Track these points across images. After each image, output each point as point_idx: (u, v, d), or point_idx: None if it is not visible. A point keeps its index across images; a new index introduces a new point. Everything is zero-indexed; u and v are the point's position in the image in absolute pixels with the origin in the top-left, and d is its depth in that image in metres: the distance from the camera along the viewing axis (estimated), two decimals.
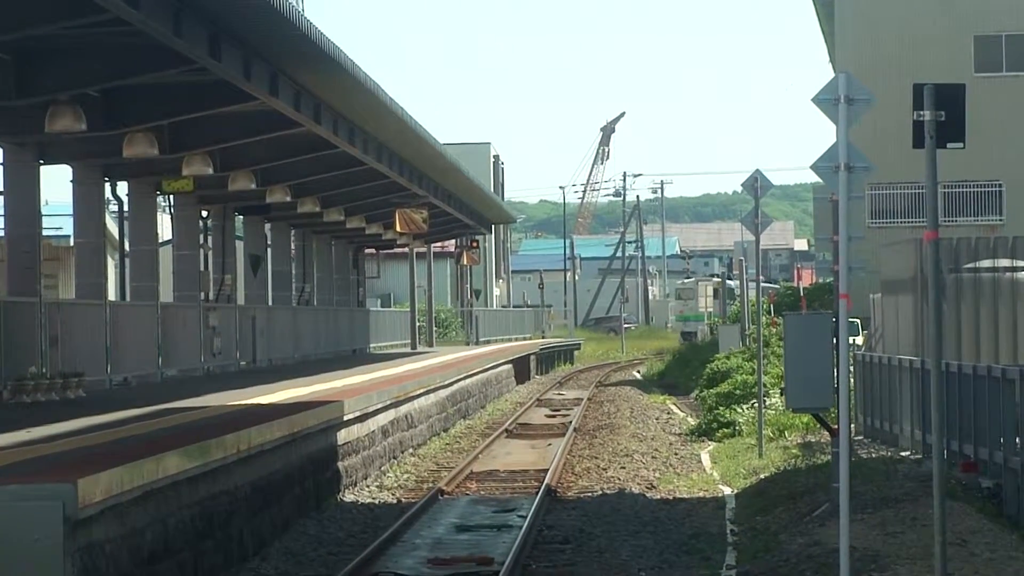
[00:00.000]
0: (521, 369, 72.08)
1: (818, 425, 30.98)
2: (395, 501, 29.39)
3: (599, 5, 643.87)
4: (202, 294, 45.42)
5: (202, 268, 46.34)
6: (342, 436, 30.20)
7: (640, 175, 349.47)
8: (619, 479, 32.40)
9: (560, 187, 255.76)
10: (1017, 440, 21.66)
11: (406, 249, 77.62)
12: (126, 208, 41.26)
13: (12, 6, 22.85)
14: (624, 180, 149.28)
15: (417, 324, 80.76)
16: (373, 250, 76.89)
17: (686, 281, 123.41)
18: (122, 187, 40.48)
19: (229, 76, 28.26)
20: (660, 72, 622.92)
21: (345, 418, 30.21)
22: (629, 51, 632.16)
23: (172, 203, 45.81)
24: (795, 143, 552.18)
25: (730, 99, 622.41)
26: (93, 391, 32.49)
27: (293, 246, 58.76)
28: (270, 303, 54.14)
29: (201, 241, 46.64)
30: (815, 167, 18.20)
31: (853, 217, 17.79)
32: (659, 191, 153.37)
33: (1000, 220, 56.07)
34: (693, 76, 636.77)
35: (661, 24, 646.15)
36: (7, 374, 30.52)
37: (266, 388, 34.74)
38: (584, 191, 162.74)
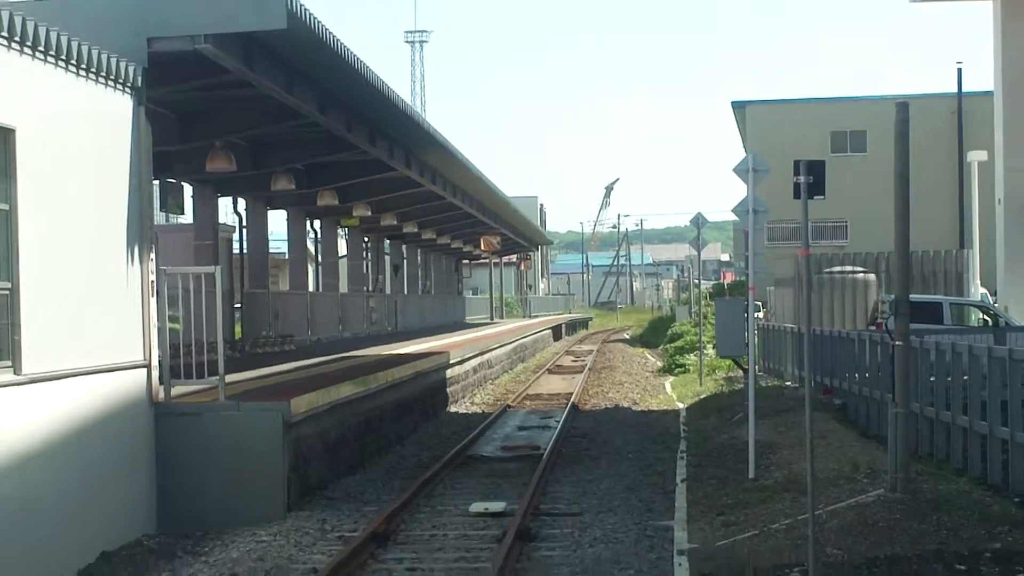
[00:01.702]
0: (556, 332, 72.02)
1: (736, 366, 30.95)
2: (481, 412, 29.49)
3: (605, 108, 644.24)
4: (364, 287, 45.68)
5: (364, 272, 46.59)
6: (449, 373, 30.31)
7: (628, 215, 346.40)
8: (615, 398, 32.42)
9: (580, 222, 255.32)
10: (856, 375, 21.61)
11: (487, 260, 77.69)
12: (319, 236, 41.47)
13: (249, 116, 23.05)
14: (618, 219, 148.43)
15: (493, 305, 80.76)
16: (467, 261, 76.98)
17: (677, 279, 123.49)
18: (317, 224, 40.64)
19: (381, 156, 28.37)
20: (639, 156, 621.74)
21: (450, 362, 30.32)
22: (622, 143, 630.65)
23: (347, 233, 45.94)
24: (723, 194, 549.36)
25: (680, 171, 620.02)
26: (299, 346, 32.71)
27: (419, 258, 58.90)
28: (405, 292, 54.31)
29: (364, 256, 46.88)
30: (735, 210, 18.18)
31: (757, 241, 17.78)
32: (640, 225, 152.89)
33: (845, 242, 55.84)
34: (657, 158, 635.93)
35: (641, 128, 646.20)
36: (248, 335, 30.81)
37: (403, 344, 34.89)
38: (594, 225, 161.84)
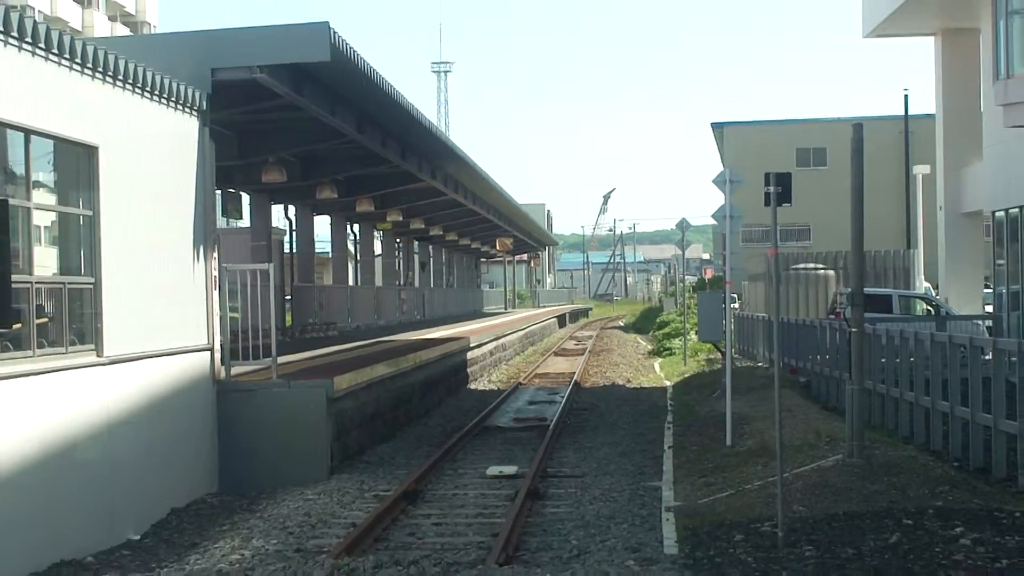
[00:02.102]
0: (561, 320, 71.83)
1: (715, 349, 30.84)
2: (496, 389, 29.45)
3: (604, 121, 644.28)
4: (396, 282, 45.64)
5: (396, 268, 46.55)
6: (469, 355, 30.28)
7: (623, 220, 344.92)
8: (612, 377, 32.35)
9: (582, 226, 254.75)
10: (818, 357, 21.53)
11: (502, 258, 77.59)
12: (358, 237, 41.45)
13: (298, 135, 23.03)
14: (614, 223, 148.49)
15: (507, 297, 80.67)
16: (485, 259, 76.89)
17: (664, 275, 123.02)
18: (356, 227, 40.60)
19: (411, 169, 28.32)
20: (632, 168, 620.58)
21: (470, 345, 30.28)
22: (617, 155, 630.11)
23: (381, 235, 45.91)
24: (705, 202, 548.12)
25: (667, 181, 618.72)
26: (341, 332, 32.67)
27: (443, 257, 58.87)
28: (431, 286, 54.30)
29: (396, 254, 46.84)
30: (714, 216, 18.10)
31: (733, 242, 17.71)
32: (632, 228, 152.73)
33: (808, 243, 55.65)
34: (648, 170, 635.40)
35: (631, 145, 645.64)
36: (297, 323, 30.78)
37: (430, 330, 34.88)
38: (594, 228, 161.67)
